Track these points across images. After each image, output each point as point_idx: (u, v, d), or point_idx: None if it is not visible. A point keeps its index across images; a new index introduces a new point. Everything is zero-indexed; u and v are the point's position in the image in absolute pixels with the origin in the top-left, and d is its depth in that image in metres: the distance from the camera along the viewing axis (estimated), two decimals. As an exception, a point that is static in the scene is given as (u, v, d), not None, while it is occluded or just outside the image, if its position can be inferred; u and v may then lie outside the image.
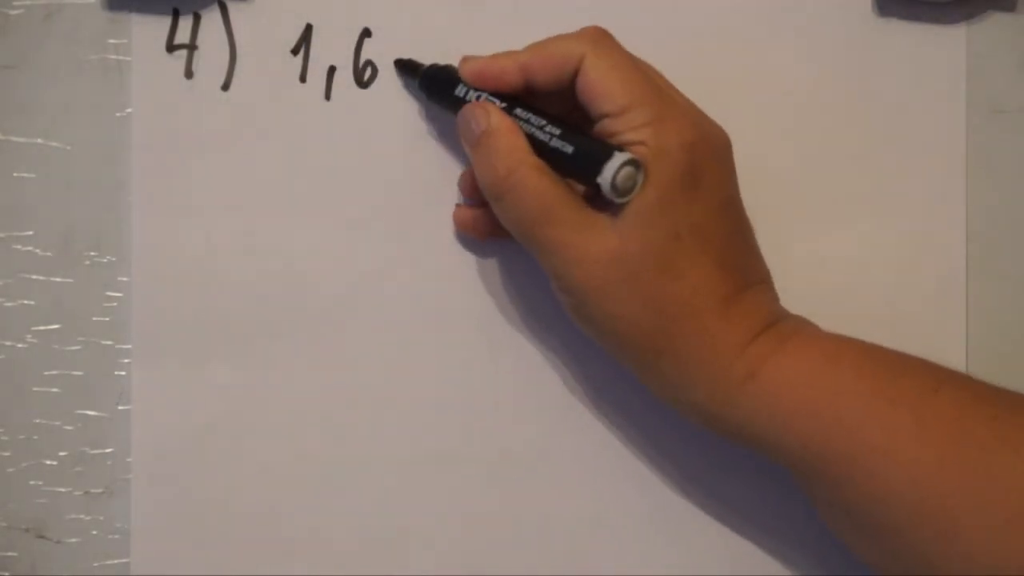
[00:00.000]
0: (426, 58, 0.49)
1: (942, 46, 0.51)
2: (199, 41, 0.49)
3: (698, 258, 0.42)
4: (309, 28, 0.49)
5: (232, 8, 0.49)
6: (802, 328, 0.44)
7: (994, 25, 0.51)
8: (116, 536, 0.49)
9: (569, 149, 0.43)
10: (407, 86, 0.49)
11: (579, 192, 0.44)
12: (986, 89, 0.51)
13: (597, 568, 0.50)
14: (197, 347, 0.49)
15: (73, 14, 0.49)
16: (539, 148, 0.43)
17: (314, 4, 0.49)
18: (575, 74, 0.43)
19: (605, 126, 0.43)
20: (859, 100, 0.50)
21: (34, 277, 0.49)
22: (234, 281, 0.49)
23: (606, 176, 0.41)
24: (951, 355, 0.50)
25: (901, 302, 0.50)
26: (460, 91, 0.45)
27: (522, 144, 0.43)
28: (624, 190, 0.41)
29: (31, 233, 0.49)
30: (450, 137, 0.49)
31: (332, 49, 0.49)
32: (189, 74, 0.49)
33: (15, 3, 0.48)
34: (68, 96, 0.49)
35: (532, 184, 0.43)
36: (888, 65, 0.50)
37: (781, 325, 0.43)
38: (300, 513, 0.49)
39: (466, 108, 0.45)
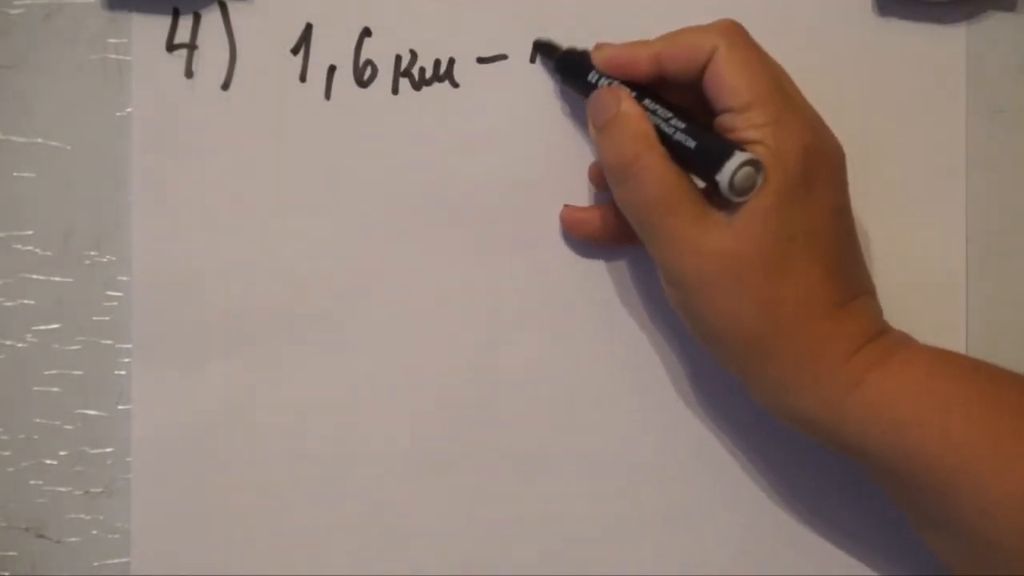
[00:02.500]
0: (426, 57, 0.49)
1: (942, 46, 0.51)
2: (199, 41, 0.49)
3: (810, 263, 0.42)
4: (309, 28, 0.49)
5: (232, 8, 0.49)
6: (907, 341, 0.44)
7: (994, 25, 0.51)
8: (116, 536, 0.49)
9: (692, 144, 0.43)
10: (544, 65, 0.49)
11: (699, 187, 0.44)
12: (986, 89, 0.51)
13: (598, 568, 0.50)
14: (197, 347, 0.49)
15: (73, 14, 0.49)
16: (663, 140, 0.44)
17: (314, 4, 0.49)
18: (705, 66, 0.44)
19: (726, 121, 0.43)
20: (859, 100, 0.50)
21: (34, 277, 0.49)
22: (234, 281, 0.49)
23: (725, 174, 0.41)
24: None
25: (901, 302, 0.50)
26: (592, 77, 0.46)
27: (650, 131, 0.44)
28: (742, 189, 0.41)
29: (31, 233, 0.49)
30: (450, 136, 0.49)
31: (332, 49, 0.49)
32: (189, 74, 0.49)
33: (15, 3, 0.48)
34: (68, 96, 0.49)
35: (657, 170, 0.43)
36: (888, 65, 0.50)
37: (887, 337, 0.44)
38: (300, 513, 0.49)
39: (599, 92, 0.45)
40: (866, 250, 0.50)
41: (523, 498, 0.50)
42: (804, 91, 0.50)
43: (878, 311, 0.45)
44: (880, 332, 0.43)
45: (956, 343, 0.50)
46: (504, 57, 0.50)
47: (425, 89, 0.49)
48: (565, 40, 0.49)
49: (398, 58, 0.49)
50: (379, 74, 0.49)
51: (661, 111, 0.44)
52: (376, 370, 0.49)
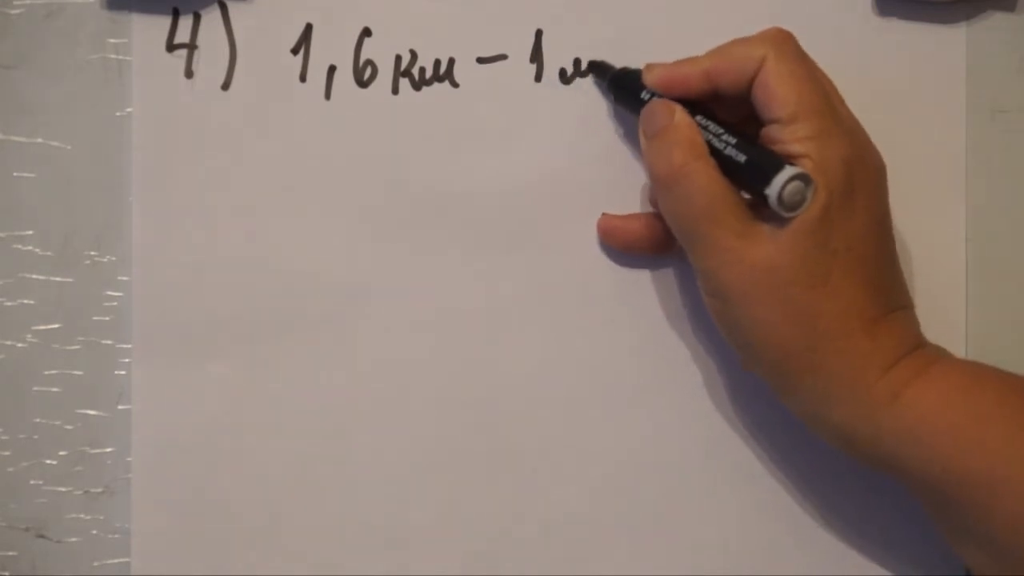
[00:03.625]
0: (426, 57, 0.49)
1: (942, 46, 0.51)
2: (199, 41, 0.49)
3: (851, 276, 0.42)
4: (309, 28, 0.49)
5: (232, 8, 0.49)
6: (944, 355, 0.44)
7: (994, 25, 0.51)
8: (116, 536, 0.49)
9: (742, 158, 0.43)
10: (597, 85, 0.49)
11: (745, 201, 0.44)
12: (986, 89, 0.51)
13: (597, 568, 0.50)
14: (197, 347, 0.49)
15: (73, 14, 0.49)
16: (714, 154, 0.44)
17: (314, 4, 0.49)
18: (754, 77, 0.44)
19: (772, 132, 0.43)
20: (859, 100, 0.50)
21: (34, 277, 0.49)
22: (234, 281, 0.49)
23: (774, 188, 0.41)
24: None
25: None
26: (645, 95, 0.46)
27: (700, 141, 0.44)
28: (791, 204, 0.42)
29: (31, 233, 0.49)
30: (450, 136, 0.49)
31: (332, 49, 0.49)
32: (189, 74, 0.49)
33: (15, 3, 0.48)
34: (68, 96, 0.49)
35: (705, 177, 0.43)
36: (888, 65, 0.50)
37: (923, 351, 0.44)
38: (300, 513, 0.49)
39: (652, 103, 0.46)
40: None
41: (523, 498, 0.50)
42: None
43: (915, 325, 0.45)
44: (917, 345, 0.44)
45: (956, 343, 0.50)
46: (504, 57, 0.50)
47: (425, 89, 0.49)
48: (567, 42, 0.49)
49: (398, 58, 0.49)
50: (379, 74, 0.49)
51: (713, 126, 0.44)
52: (376, 370, 0.49)
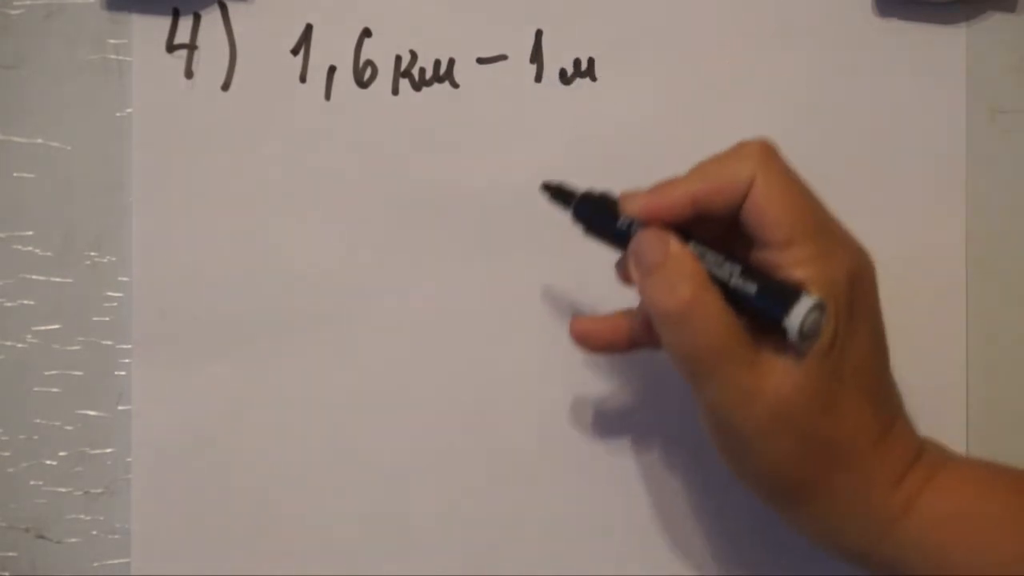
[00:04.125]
0: (426, 57, 0.49)
1: (942, 46, 0.50)
2: (199, 41, 0.49)
3: (858, 399, 0.41)
4: (309, 28, 0.49)
5: (232, 8, 0.49)
6: (947, 457, 0.43)
7: (994, 25, 0.51)
8: (116, 536, 0.49)
9: (752, 289, 0.41)
10: (555, 206, 0.46)
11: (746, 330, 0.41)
12: (986, 89, 0.51)
13: (597, 568, 0.50)
14: (197, 347, 0.49)
15: (73, 14, 0.49)
16: (715, 284, 0.41)
17: (314, 4, 0.49)
18: (743, 198, 0.41)
19: (769, 256, 0.41)
20: (859, 100, 0.50)
21: (34, 277, 0.49)
22: (234, 281, 0.49)
23: (794, 321, 0.39)
24: (951, 355, 0.50)
25: (901, 302, 0.50)
26: (623, 224, 0.43)
27: (703, 272, 0.41)
28: (809, 334, 0.40)
29: (31, 233, 0.49)
30: (450, 136, 0.49)
31: (332, 49, 0.49)
32: (189, 74, 0.49)
33: (15, 3, 0.48)
34: (68, 96, 0.49)
35: (716, 312, 0.40)
36: (888, 65, 0.50)
37: (928, 454, 0.43)
38: (300, 513, 0.49)
39: (642, 236, 0.42)
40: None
41: (523, 498, 0.50)
42: (804, 92, 0.50)
43: (912, 427, 0.44)
44: (921, 451, 0.43)
45: (956, 343, 0.50)
46: (504, 57, 0.50)
47: (425, 89, 0.49)
48: (567, 42, 0.49)
49: (398, 58, 0.49)
50: (379, 74, 0.49)
51: (711, 255, 0.42)
52: (376, 370, 0.49)
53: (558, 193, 0.45)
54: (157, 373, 0.49)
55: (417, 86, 0.49)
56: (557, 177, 0.49)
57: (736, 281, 0.41)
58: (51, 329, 0.49)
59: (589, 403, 0.50)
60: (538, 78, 0.50)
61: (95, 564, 0.49)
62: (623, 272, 0.44)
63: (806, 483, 0.41)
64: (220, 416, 0.49)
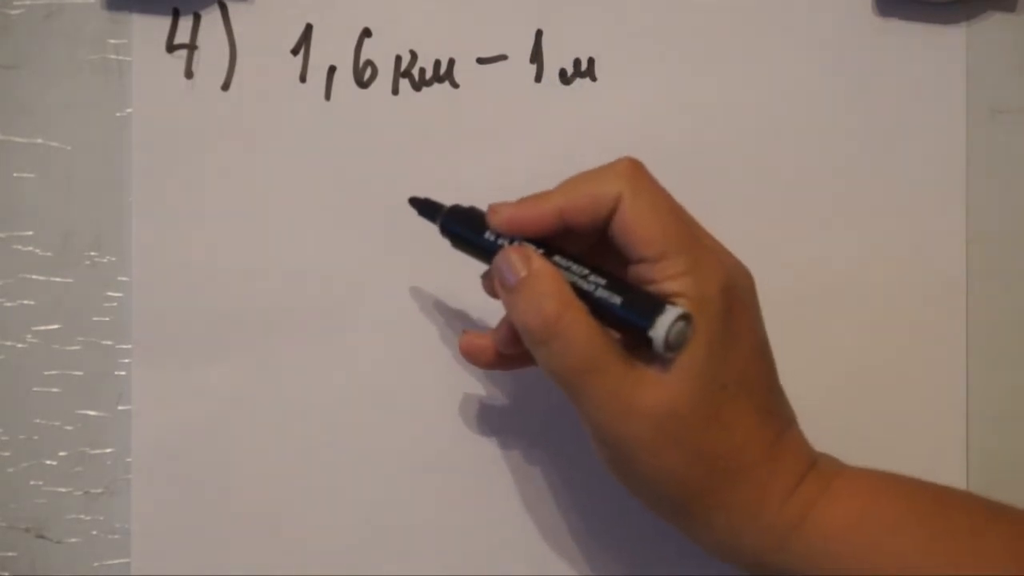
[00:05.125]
0: (426, 57, 0.49)
1: (942, 46, 0.51)
2: (199, 41, 0.49)
3: (743, 407, 0.41)
4: (309, 28, 0.49)
5: (232, 8, 0.49)
6: (840, 467, 0.43)
7: (994, 25, 0.51)
8: (116, 536, 0.49)
9: (617, 300, 0.41)
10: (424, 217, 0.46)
11: (619, 342, 0.41)
12: (986, 89, 0.51)
13: (597, 568, 0.50)
14: (197, 347, 0.49)
15: (73, 14, 0.49)
16: (581, 297, 0.41)
17: (314, 4, 0.49)
18: (611, 214, 0.42)
19: (642, 272, 0.41)
20: (859, 100, 0.50)
21: (34, 277, 0.49)
22: (234, 281, 0.49)
23: (659, 331, 0.39)
24: (951, 355, 0.50)
25: (901, 302, 0.50)
26: (490, 236, 0.43)
27: (567, 288, 0.41)
28: (675, 345, 0.40)
29: (31, 233, 0.49)
30: (450, 136, 0.49)
31: (332, 49, 0.49)
32: (189, 74, 0.49)
33: (15, 3, 0.49)
34: (68, 96, 0.49)
35: (583, 328, 0.40)
36: (888, 65, 0.50)
37: (820, 466, 0.43)
38: (300, 513, 0.49)
39: (505, 252, 0.42)
40: (866, 251, 0.50)
41: (523, 498, 0.50)
42: (804, 92, 0.50)
43: (803, 438, 0.44)
44: (813, 462, 0.43)
45: (956, 343, 0.50)
46: (504, 57, 0.50)
47: (425, 89, 0.49)
48: (567, 42, 0.49)
49: (398, 58, 0.49)
50: (379, 74, 0.49)
51: (576, 267, 0.41)
52: (376, 370, 0.49)
53: (425, 207, 0.46)
54: (157, 373, 0.49)
55: (417, 86, 0.49)
56: (557, 177, 0.49)
57: (601, 293, 0.41)
58: (51, 329, 0.49)
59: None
60: (538, 78, 0.50)
61: (95, 564, 0.49)
62: (488, 286, 0.45)
63: (696, 496, 0.41)
64: (220, 416, 0.49)
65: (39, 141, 0.49)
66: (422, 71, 0.49)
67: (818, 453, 0.43)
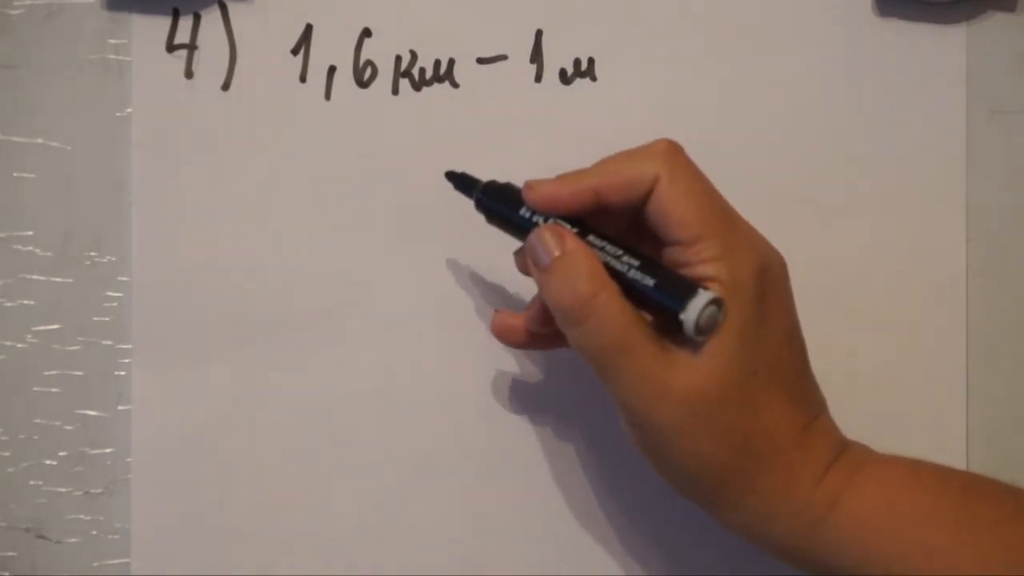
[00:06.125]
0: (426, 57, 0.49)
1: (942, 46, 0.51)
2: (199, 41, 0.49)
3: (775, 393, 0.41)
4: (309, 28, 0.49)
5: (232, 8, 0.49)
6: (870, 454, 0.43)
7: (994, 25, 0.51)
8: (116, 536, 0.49)
9: (650, 282, 0.41)
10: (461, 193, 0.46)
11: (652, 324, 0.41)
12: (986, 89, 0.51)
13: (597, 568, 0.50)
14: (197, 347, 0.49)
15: (73, 14, 0.49)
16: (614, 277, 0.41)
17: (314, 4, 0.49)
18: (647, 195, 0.42)
19: (675, 255, 0.41)
20: (859, 100, 0.50)
21: (34, 277, 0.49)
22: (234, 281, 0.49)
23: (690, 315, 0.39)
24: (951, 355, 0.50)
25: (901, 302, 0.50)
26: (525, 212, 0.43)
27: (601, 269, 0.41)
28: (705, 329, 0.40)
29: (31, 233, 0.49)
30: (450, 136, 0.49)
31: (332, 49, 0.49)
32: (189, 74, 0.49)
33: (15, 3, 0.49)
34: (68, 96, 0.49)
35: (616, 309, 0.40)
36: (888, 65, 0.50)
37: (851, 452, 0.43)
38: (300, 513, 0.49)
39: (539, 232, 0.42)
40: (866, 251, 0.50)
41: (523, 498, 0.50)
42: (804, 92, 0.50)
43: (834, 425, 0.44)
44: (844, 447, 0.43)
45: (956, 343, 0.50)
46: (504, 57, 0.50)
47: (425, 89, 0.49)
48: (567, 42, 0.49)
49: (398, 58, 0.49)
50: (379, 74, 0.49)
51: (610, 247, 0.42)
52: (376, 370, 0.49)
53: (462, 181, 0.46)
54: (157, 373, 0.49)
55: (417, 86, 0.49)
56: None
57: (634, 274, 0.41)
58: (51, 329, 0.49)
59: (590, 402, 0.50)
60: (538, 78, 0.50)
61: (95, 564, 0.49)
62: (521, 263, 0.45)
63: (727, 480, 0.41)
64: (220, 416, 0.49)
65: (39, 141, 0.49)
66: (422, 71, 0.49)
67: (849, 440, 0.43)
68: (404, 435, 0.49)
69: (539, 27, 0.50)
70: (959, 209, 0.51)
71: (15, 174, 0.49)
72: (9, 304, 0.49)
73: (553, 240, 0.42)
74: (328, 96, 0.49)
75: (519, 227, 0.43)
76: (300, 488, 0.49)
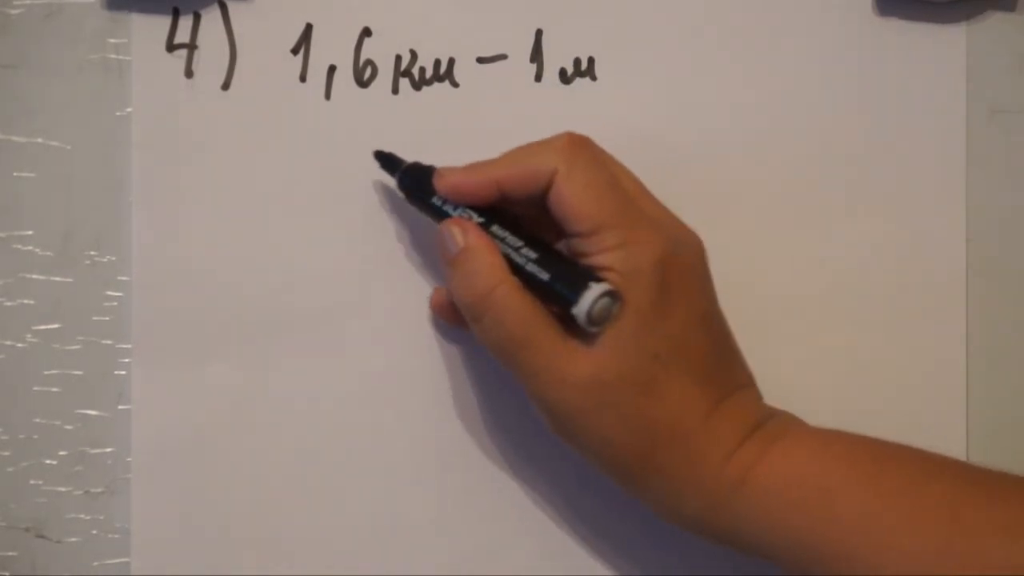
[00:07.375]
0: (426, 57, 0.49)
1: (942, 46, 0.51)
2: (199, 41, 0.49)
3: (677, 377, 0.42)
4: (309, 28, 0.49)
5: (232, 8, 0.49)
6: (788, 427, 0.44)
7: (994, 25, 0.51)
8: (116, 536, 0.49)
9: (545, 276, 0.42)
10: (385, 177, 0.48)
11: (553, 315, 0.43)
12: (986, 89, 0.51)
13: (597, 568, 0.50)
14: (197, 347, 0.49)
15: (73, 14, 0.49)
16: (515, 270, 0.43)
17: (314, 4, 0.49)
18: (547, 188, 0.43)
19: (576, 245, 0.43)
20: (859, 100, 0.50)
21: (34, 277, 0.49)
22: (234, 281, 0.49)
23: (582, 307, 0.41)
24: (951, 355, 0.50)
25: (901, 302, 0.50)
26: (437, 200, 0.45)
27: (500, 263, 0.43)
28: (598, 320, 0.41)
29: (31, 233, 0.49)
30: (450, 136, 0.49)
31: (332, 49, 0.49)
32: (189, 74, 0.49)
33: (15, 3, 0.48)
34: (68, 96, 0.49)
35: (513, 304, 0.42)
36: (888, 65, 0.50)
37: (767, 426, 0.43)
38: (300, 513, 0.49)
39: (444, 225, 0.44)
40: (866, 250, 0.50)
41: (522, 498, 0.50)
42: (804, 92, 0.50)
43: (756, 400, 0.44)
44: (760, 422, 0.43)
45: (956, 343, 0.50)
46: (504, 57, 0.50)
47: (425, 89, 0.49)
48: (567, 42, 0.49)
49: (398, 58, 0.49)
50: (379, 74, 0.49)
51: (511, 239, 0.43)
52: (376, 370, 0.49)
53: (388, 161, 0.47)
54: (157, 373, 0.49)
55: (417, 86, 0.49)
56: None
57: (531, 268, 0.42)
58: (51, 329, 0.49)
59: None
60: (538, 78, 0.50)
61: (95, 564, 0.49)
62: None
63: (634, 461, 0.42)
64: (220, 416, 0.49)
65: (39, 141, 0.49)
66: (422, 70, 0.49)
67: (773, 414, 0.44)
68: (404, 435, 0.49)
69: (539, 27, 0.50)
70: (959, 209, 0.51)
71: (15, 174, 0.49)
72: (9, 304, 0.49)
73: (455, 233, 0.43)
74: (328, 96, 0.49)
75: (435, 212, 0.45)
76: (300, 488, 0.49)
